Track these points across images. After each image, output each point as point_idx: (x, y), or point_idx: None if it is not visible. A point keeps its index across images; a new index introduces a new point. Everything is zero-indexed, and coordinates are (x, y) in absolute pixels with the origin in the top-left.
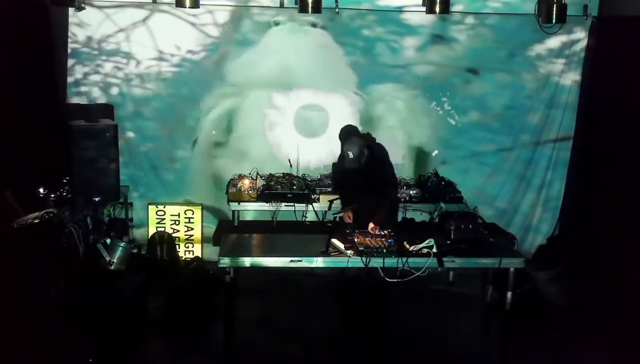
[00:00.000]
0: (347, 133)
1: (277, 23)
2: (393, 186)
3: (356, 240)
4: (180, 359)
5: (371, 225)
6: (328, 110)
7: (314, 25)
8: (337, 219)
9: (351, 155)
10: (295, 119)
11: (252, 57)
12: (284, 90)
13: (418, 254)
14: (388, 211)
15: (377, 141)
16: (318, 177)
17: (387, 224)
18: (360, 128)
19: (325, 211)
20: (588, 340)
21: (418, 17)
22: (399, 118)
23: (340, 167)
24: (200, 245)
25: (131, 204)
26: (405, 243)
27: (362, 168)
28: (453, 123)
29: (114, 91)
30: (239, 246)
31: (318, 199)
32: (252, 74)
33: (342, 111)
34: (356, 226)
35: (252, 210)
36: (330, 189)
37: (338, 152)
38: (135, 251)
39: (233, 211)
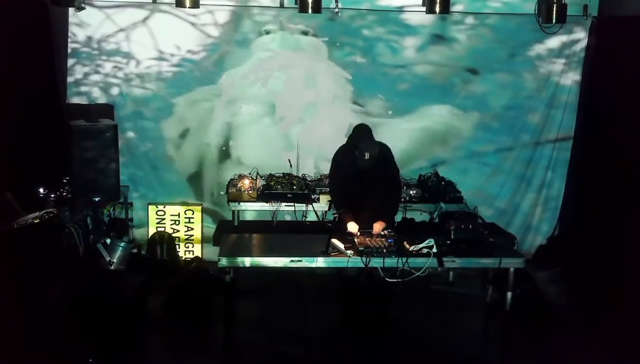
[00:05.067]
0: (362, 133)
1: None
2: (400, 187)
3: (356, 240)
4: (180, 359)
5: (377, 226)
6: (328, 110)
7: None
8: (336, 218)
9: (367, 156)
10: (294, 121)
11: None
12: (280, 93)
13: (418, 254)
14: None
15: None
16: (318, 177)
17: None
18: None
19: (325, 211)
20: (588, 340)
21: (419, 17)
22: (398, 118)
23: (344, 166)
24: (200, 245)
25: (131, 204)
26: (405, 243)
27: (371, 169)
28: (454, 122)
29: (114, 91)
30: (239, 246)
31: (318, 199)
32: (246, 78)
33: (342, 112)
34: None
35: (252, 210)
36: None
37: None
38: (135, 251)
39: (233, 211)
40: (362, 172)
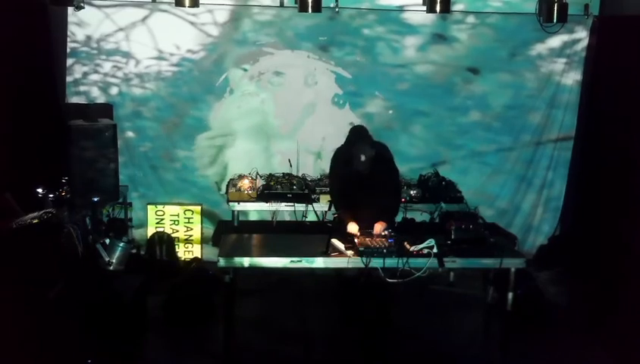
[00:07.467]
0: (358, 134)
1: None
2: (399, 188)
3: (356, 240)
4: (180, 359)
5: (378, 227)
6: (328, 110)
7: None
8: (336, 219)
9: (363, 158)
10: (294, 120)
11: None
12: (280, 93)
13: (418, 254)
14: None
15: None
16: (318, 177)
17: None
18: None
19: (325, 211)
20: (589, 340)
21: (419, 17)
22: (399, 119)
23: (342, 167)
24: (200, 245)
25: (130, 204)
26: (405, 243)
27: (370, 170)
28: (454, 122)
29: (114, 91)
30: (238, 247)
31: (318, 199)
32: (246, 77)
33: (342, 111)
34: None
35: (252, 210)
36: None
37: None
38: (134, 251)
39: (233, 212)
40: (361, 173)
